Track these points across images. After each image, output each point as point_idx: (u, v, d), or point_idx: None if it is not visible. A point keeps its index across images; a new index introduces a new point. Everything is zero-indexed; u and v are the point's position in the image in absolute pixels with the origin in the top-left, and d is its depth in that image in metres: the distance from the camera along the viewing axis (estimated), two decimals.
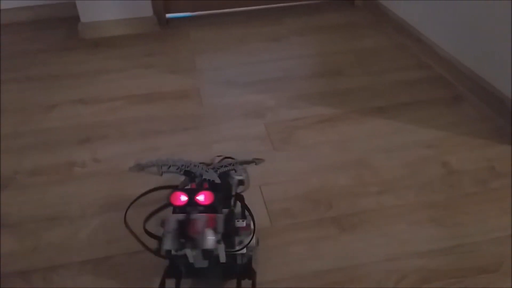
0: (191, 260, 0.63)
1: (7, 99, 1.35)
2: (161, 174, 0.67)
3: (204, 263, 0.64)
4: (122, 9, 1.71)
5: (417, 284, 0.74)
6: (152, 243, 0.66)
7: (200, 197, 0.61)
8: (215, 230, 0.60)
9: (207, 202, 0.61)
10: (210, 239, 0.59)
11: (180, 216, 0.61)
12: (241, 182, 0.74)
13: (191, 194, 0.62)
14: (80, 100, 1.32)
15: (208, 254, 0.61)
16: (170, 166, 0.66)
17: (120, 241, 0.84)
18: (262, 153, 1.06)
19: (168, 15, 1.86)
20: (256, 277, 0.71)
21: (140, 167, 0.67)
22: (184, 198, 0.62)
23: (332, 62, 1.49)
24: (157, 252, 0.64)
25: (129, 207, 0.66)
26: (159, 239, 0.62)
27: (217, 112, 1.24)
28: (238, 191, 0.73)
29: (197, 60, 1.53)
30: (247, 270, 0.70)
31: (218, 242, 0.61)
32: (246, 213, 0.70)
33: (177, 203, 0.62)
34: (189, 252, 0.61)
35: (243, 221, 0.69)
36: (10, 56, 1.62)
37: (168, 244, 0.59)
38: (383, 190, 0.93)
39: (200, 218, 0.60)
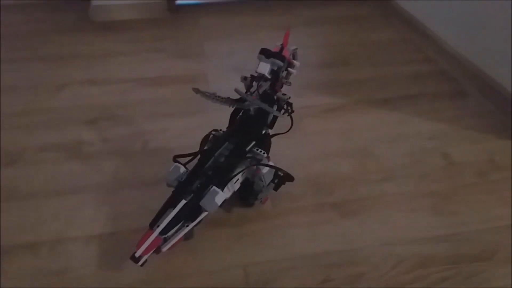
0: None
1: (18, 77, 1.37)
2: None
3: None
4: None
5: (414, 268, 0.76)
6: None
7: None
8: None
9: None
10: None
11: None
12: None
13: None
14: (90, 81, 1.34)
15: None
16: (220, 99, 0.74)
17: (126, 218, 0.86)
18: None
19: (177, 2, 1.87)
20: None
21: (197, 91, 0.74)
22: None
23: (340, 53, 1.50)
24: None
25: None
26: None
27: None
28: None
29: (206, 46, 1.55)
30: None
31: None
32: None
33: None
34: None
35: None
36: (21, 35, 1.64)
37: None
38: (384, 178, 0.96)
39: None
